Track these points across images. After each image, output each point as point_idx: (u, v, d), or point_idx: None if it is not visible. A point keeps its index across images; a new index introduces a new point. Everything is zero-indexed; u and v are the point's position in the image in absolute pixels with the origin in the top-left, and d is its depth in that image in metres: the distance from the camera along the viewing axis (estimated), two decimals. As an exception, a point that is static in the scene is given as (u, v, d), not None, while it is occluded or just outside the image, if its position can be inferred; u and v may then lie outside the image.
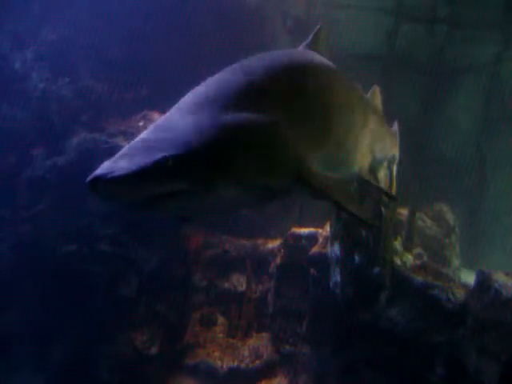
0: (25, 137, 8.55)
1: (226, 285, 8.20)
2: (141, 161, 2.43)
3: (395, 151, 5.86)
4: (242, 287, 8.11)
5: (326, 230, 7.19)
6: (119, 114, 8.58)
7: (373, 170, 4.90)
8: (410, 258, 6.83)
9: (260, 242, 8.36)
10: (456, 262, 7.89)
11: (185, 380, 7.64)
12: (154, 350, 7.74)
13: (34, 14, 9.03)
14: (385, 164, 5.65)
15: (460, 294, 6.21)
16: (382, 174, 5.53)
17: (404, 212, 7.32)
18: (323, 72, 3.69)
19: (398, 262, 6.59)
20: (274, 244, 8.14)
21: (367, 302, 6.46)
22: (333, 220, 6.72)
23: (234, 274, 8.24)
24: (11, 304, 8.37)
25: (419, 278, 6.44)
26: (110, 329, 7.82)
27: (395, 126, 6.23)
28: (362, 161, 4.18)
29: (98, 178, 2.40)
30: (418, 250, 7.10)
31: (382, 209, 6.50)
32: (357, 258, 6.46)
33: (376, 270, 6.40)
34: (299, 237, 7.51)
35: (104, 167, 2.43)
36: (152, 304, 7.99)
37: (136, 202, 2.55)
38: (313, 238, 7.34)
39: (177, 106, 2.96)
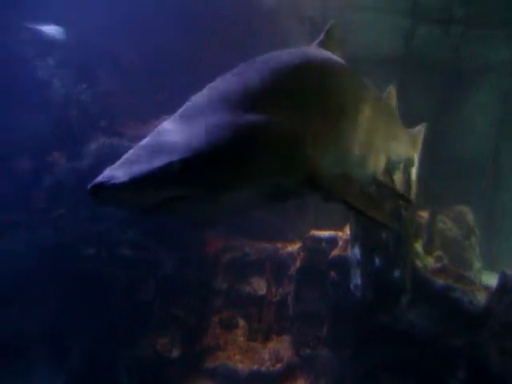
0: (45, 141, 8.63)
1: (247, 288, 8.23)
2: (144, 166, 2.40)
3: (413, 153, 5.74)
4: (262, 290, 8.14)
5: (345, 233, 7.19)
6: (138, 119, 8.64)
7: (388, 171, 4.82)
8: (430, 261, 6.78)
9: (279, 245, 8.37)
10: (477, 263, 7.86)
11: (205, 383, 7.66)
12: (174, 353, 7.76)
13: (56, 21, 9.12)
14: (401, 166, 5.56)
15: (481, 296, 6.17)
16: (398, 177, 5.45)
17: (424, 214, 7.30)
18: (336, 70, 3.63)
19: (418, 264, 6.56)
20: (293, 247, 8.14)
21: (387, 304, 6.45)
22: (352, 222, 6.73)
23: (253, 277, 8.26)
24: (31, 306, 8.45)
25: (440, 281, 6.41)
26: (130, 332, 7.86)
27: (418, 128, 6.08)
28: (376, 162, 4.10)
29: (98, 186, 2.39)
30: (438, 253, 7.06)
31: (402, 211, 6.50)
32: (377, 260, 6.46)
33: (396, 272, 6.39)
34: (319, 240, 7.51)
35: (106, 174, 2.41)
36: (172, 307, 8.02)
37: (142, 208, 2.53)
38: (333, 241, 7.33)
39: (184, 107, 2.90)
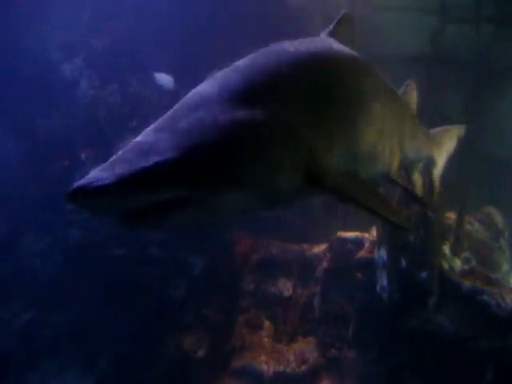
0: (75, 143, 8.76)
1: (273, 289, 8.23)
2: (131, 167, 2.23)
3: (434, 153, 5.38)
4: (289, 291, 8.14)
5: (372, 235, 7.18)
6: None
7: (405, 170, 4.68)
8: (458, 263, 6.72)
9: (306, 246, 8.36)
10: (505, 266, 7.75)
11: (231, 382, 7.68)
12: (201, 353, 7.80)
13: (84, 23, 9.24)
14: (419, 165, 5.21)
15: (510, 299, 6.10)
16: (417, 176, 5.15)
17: (452, 215, 7.23)
18: (344, 61, 3.39)
19: (445, 266, 6.51)
20: (319, 248, 8.12)
21: (414, 307, 6.41)
22: (379, 224, 6.71)
23: (280, 278, 8.26)
24: (61, 305, 8.58)
25: (468, 283, 6.36)
26: (159, 331, 7.93)
27: (446, 128, 5.71)
28: (389, 159, 3.82)
29: (77, 190, 2.20)
30: (466, 255, 6.99)
31: (430, 212, 6.46)
32: (404, 262, 6.43)
33: (423, 274, 6.35)
34: (345, 241, 7.50)
35: (88, 177, 2.23)
36: (200, 307, 8.08)
37: (129, 214, 2.35)
38: (359, 243, 7.32)
39: (181, 102, 2.73)
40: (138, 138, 2.49)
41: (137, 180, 2.21)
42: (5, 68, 8.46)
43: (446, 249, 6.73)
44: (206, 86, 2.77)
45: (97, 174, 2.23)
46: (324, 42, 3.52)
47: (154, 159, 2.24)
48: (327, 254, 7.74)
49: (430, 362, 6.32)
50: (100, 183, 2.17)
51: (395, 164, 4.00)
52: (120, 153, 2.39)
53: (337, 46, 3.49)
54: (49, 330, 8.72)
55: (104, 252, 8.36)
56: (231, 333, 8.08)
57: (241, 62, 2.92)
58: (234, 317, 8.20)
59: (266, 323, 8.13)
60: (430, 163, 5.37)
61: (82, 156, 8.74)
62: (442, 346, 6.25)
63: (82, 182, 2.21)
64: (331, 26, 3.71)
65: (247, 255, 8.46)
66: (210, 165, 2.34)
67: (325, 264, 7.71)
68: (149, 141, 2.42)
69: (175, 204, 2.32)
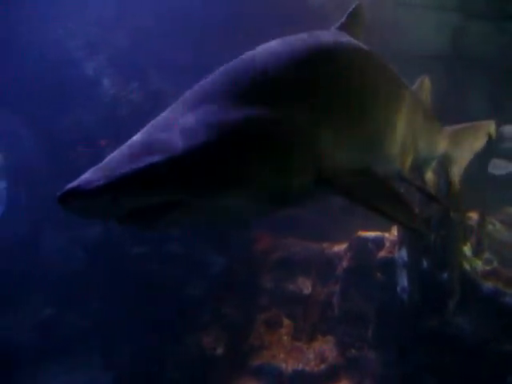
0: (96, 140, 8.81)
1: (292, 287, 8.23)
2: (124, 169, 2.12)
3: (451, 150, 5.07)
4: (308, 290, 8.14)
5: (392, 234, 7.15)
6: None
7: (419, 169, 4.50)
8: (479, 264, 6.67)
9: (326, 244, 8.34)
10: (528, 267, 7.68)
11: (250, 381, 7.71)
12: (219, 351, 7.83)
13: (106, 21, 9.28)
14: (434, 163, 5.04)
15: (532, 301, 6.07)
16: (430, 175, 4.99)
17: (473, 216, 7.17)
18: (354, 56, 3.23)
19: (467, 267, 6.46)
20: (340, 247, 8.10)
21: (435, 308, 6.38)
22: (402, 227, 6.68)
23: (299, 277, 8.26)
24: (81, 302, 8.67)
25: (489, 285, 6.33)
26: (178, 329, 7.97)
27: (465, 126, 5.31)
28: (402, 158, 3.67)
29: (67, 193, 2.11)
30: (487, 256, 6.93)
31: (451, 213, 6.42)
32: (425, 263, 6.40)
33: (444, 275, 6.31)
34: (366, 240, 7.47)
35: (81, 179, 2.14)
36: (218, 305, 8.11)
37: (122, 217, 2.24)
38: (379, 242, 7.29)
39: (180, 99, 2.60)
40: (134, 138, 2.38)
41: (129, 182, 2.12)
42: (27, 66, 8.54)
43: (468, 249, 6.68)
44: (210, 81, 2.64)
45: (87, 176, 2.15)
46: (335, 35, 3.35)
47: (148, 160, 2.15)
48: (347, 253, 7.72)
49: (449, 364, 6.30)
50: (90, 186, 2.10)
51: (408, 162, 3.88)
52: (114, 153, 2.29)
53: (348, 40, 3.34)
54: (67, 327, 8.83)
55: (123, 250, 8.42)
56: (250, 331, 8.11)
57: (246, 57, 2.77)
58: (253, 315, 8.22)
59: (285, 321, 8.14)
60: (446, 162, 5.15)
61: (104, 154, 8.78)
62: (462, 348, 6.23)
63: (72, 184, 2.13)
64: (343, 19, 3.55)
65: (267, 253, 8.48)
66: (209, 167, 2.23)
67: (345, 263, 7.70)
68: (144, 141, 2.31)
69: (172, 205, 2.21)
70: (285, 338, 8.00)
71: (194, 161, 2.20)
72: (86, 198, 2.10)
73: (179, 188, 2.18)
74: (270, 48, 2.84)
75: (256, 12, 9.23)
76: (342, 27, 3.48)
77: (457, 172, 5.29)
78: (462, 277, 6.35)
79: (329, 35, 3.30)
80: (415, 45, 9.10)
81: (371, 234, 7.51)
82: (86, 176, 2.15)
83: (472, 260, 6.64)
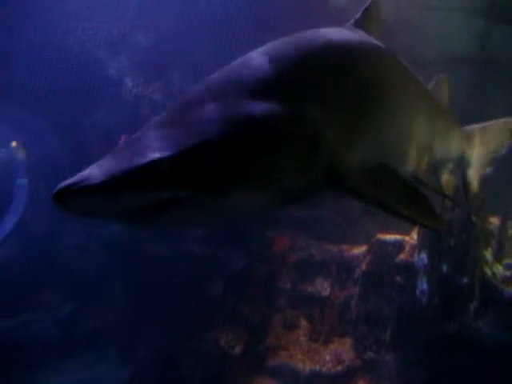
0: (119, 140, 8.87)
1: (310, 289, 8.22)
2: (125, 165, 2.05)
3: (469, 151, 4.87)
4: (326, 292, 8.12)
5: (412, 238, 7.12)
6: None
7: (435, 170, 4.32)
8: (500, 269, 6.62)
9: (345, 247, 8.32)
10: (549, 273, 7.61)
11: (266, 381, 7.72)
12: (237, 350, 7.86)
13: (128, 20, 9.35)
14: (450, 165, 4.87)
15: (553, 307, 6.02)
16: (447, 177, 4.83)
17: (494, 220, 7.12)
18: (368, 52, 3.16)
19: (487, 272, 6.42)
20: (359, 250, 8.07)
21: (455, 312, 6.35)
22: (420, 227, 6.65)
23: (318, 278, 8.25)
24: (101, 298, 8.74)
25: (509, 290, 6.28)
26: (196, 327, 8.01)
27: (483, 126, 5.06)
28: (417, 158, 3.54)
29: (63, 190, 2.01)
30: (508, 261, 6.89)
31: (473, 218, 6.39)
32: (445, 267, 6.38)
33: (464, 280, 6.29)
34: (385, 244, 7.43)
35: (78, 175, 2.06)
36: (237, 305, 8.14)
37: (123, 215, 2.15)
38: (399, 246, 7.26)
39: (189, 94, 2.53)
40: (138, 133, 2.32)
41: (129, 180, 2.03)
42: (50, 65, 8.62)
43: (488, 254, 6.64)
44: (220, 76, 2.57)
45: (86, 173, 2.07)
46: (349, 32, 3.29)
47: (151, 156, 2.07)
48: (367, 256, 7.68)
49: (468, 368, 6.27)
50: (87, 183, 2.00)
51: (424, 163, 3.76)
52: (116, 149, 2.23)
53: (362, 36, 3.28)
54: (88, 322, 8.91)
55: (143, 247, 8.48)
56: (267, 331, 8.13)
57: (257, 52, 2.69)
58: (271, 315, 8.24)
59: (303, 323, 8.15)
60: (464, 163, 4.92)
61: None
62: (482, 352, 6.20)
63: (69, 181, 2.04)
64: (358, 15, 3.49)
65: (286, 254, 8.48)
66: (216, 163, 2.15)
67: (364, 266, 7.66)
68: (149, 136, 2.24)
69: (174, 202, 2.12)
70: (302, 338, 8.00)
71: (200, 158, 2.13)
72: (83, 196, 2.01)
73: (183, 186, 2.10)
74: (282, 44, 2.79)
75: (277, 10, 9.24)
76: (357, 24, 3.43)
77: (475, 174, 5.04)
78: (483, 281, 6.32)
79: (343, 32, 3.25)
80: (441, 48, 9.04)
81: (391, 238, 7.48)
82: (84, 173, 2.07)
83: (493, 265, 6.59)
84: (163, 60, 9.21)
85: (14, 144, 9.67)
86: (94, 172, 2.05)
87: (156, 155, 2.07)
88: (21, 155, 9.58)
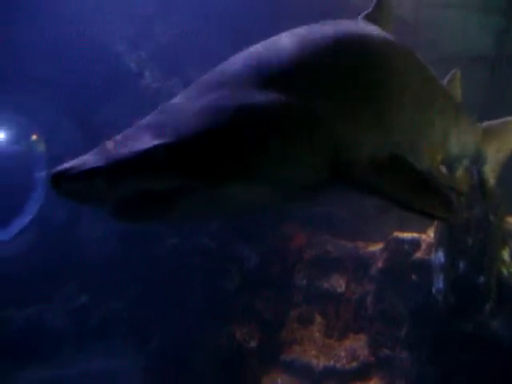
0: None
1: (326, 285, 8.24)
2: (122, 150, 2.02)
3: (485, 148, 4.73)
4: (341, 288, 8.15)
5: (429, 236, 7.12)
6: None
7: (450, 167, 4.19)
8: (517, 269, 6.64)
9: (361, 244, 8.34)
10: None
11: (281, 375, 7.76)
12: (252, 344, 7.91)
13: (148, 16, 9.39)
14: (465, 162, 4.61)
15: None
16: (461, 174, 4.56)
17: (512, 220, 7.12)
18: (378, 45, 3.09)
19: (504, 272, 6.42)
20: (375, 247, 8.08)
21: (470, 311, 6.36)
22: (437, 225, 6.67)
23: (333, 275, 8.27)
24: (115, 290, 8.80)
25: (526, 290, 6.28)
26: (210, 320, 8.05)
27: (499, 122, 4.90)
28: (430, 154, 3.45)
29: (60, 174, 2.00)
30: (525, 261, 6.89)
31: (490, 216, 6.39)
32: (462, 265, 6.38)
33: (481, 279, 6.29)
34: (402, 241, 7.43)
35: (76, 160, 2.04)
36: (252, 300, 8.18)
37: (122, 203, 2.10)
38: (416, 244, 7.25)
39: (195, 83, 2.50)
40: (143, 120, 2.30)
41: (129, 165, 1.99)
42: (69, 58, 8.67)
43: (506, 254, 6.63)
44: (225, 66, 2.56)
45: (85, 157, 2.04)
46: (359, 24, 3.26)
47: (154, 142, 2.04)
48: (383, 254, 7.69)
49: (484, 367, 6.27)
50: (86, 167, 1.98)
51: (437, 160, 3.68)
52: (118, 136, 2.20)
53: (372, 29, 3.22)
54: (101, 313, 8.97)
55: (158, 240, 8.52)
56: (282, 326, 8.17)
57: (265, 43, 2.70)
58: (286, 311, 8.28)
59: (318, 318, 8.17)
60: (479, 160, 4.78)
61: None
62: (498, 351, 6.20)
63: (66, 164, 2.02)
64: (370, 8, 3.44)
65: (302, 250, 8.51)
66: (218, 152, 2.12)
67: (380, 263, 7.68)
68: (152, 122, 2.23)
69: (176, 193, 2.09)
70: (317, 334, 8.03)
71: (201, 146, 2.10)
72: (78, 180, 1.99)
73: (184, 174, 2.06)
74: (290, 35, 2.74)
75: (297, 11, 9.24)
76: (369, 17, 3.38)
77: (491, 171, 4.91)
78: (499, 281, 6.32)
79: (352, 24, 3.22)
80: (459, 46, 9.02)
81: (407, 236, 7.48)
82: (83, 158, 2.05)
83: (510, 265, 6.59)
84: (182, 56, 9.24)
85: (33, 137, 9.71)
86: (92, 157, 2.04)
87: (155, 142, 2.05)
88: (40, 148, 9.63)
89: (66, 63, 8.62)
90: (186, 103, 2.31)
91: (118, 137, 2.17)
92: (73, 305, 9.13)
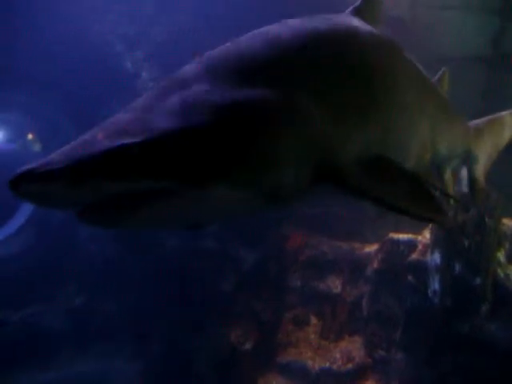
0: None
1: (321, 286, 8.24)
2: (87, 150, 1.89)
3: (475, 147, 4.60)
4: (337, 289, 8.14)
5: (425, 237, 7.10)
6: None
7: (438, 167, 4.11)
8: (513, 271, 6.63)
9: (357, 245, 8.34)
10: None
11: (276, 377, 7.76)
12: (247, 346, 7.89)
13: (146, 16, 9.37)
14: (455, 162, 4.50)
15: None
16: (449, 175, 4.42)
17: (508, 222, 7.10)
18: (365, 41, 3.00)
19: (500, 274, 6.41)
20: (370, 248, 8.08)
21: (466, 313, 6.35)
22: (433, 227, 6.65)
23: (329, 276, 8.27)
24: (114, 291, 8.79)
25: (522, 292, 6.27)
26: (207, 321, 8.04)
27: (489, 119, 4.79)
28: (418, 153, 3.33)
29: (20, 176, 1.86)
30: (522, 263, 6.88)
31: (486, 218, 6.37)
32: (458, 267, 6.37)
33: (477, 280, 6.28)
34: (397, 242, 7.43)
35: (38, 161, 1.91)
36: (248, 301, 8.17)
37: (90, 205, 1.98)
38: (411, 245, 7.24)
39: (171, 76, 2.36)
40: (110, 119, 2.14)
41: (93, 165, 1.86)
42: (68, 57, 8.65)
43: (501, 256, 6.62)
44: (203, 61, 2.41)
45: (48, 158, 1.92)
46: (346, 19, 3.13)
47: (121, 141, 1.90)
48: (378, 255, 7.68)
49: (479, 369, 6.26)
50: (48, 168, 1.85)
51: (426, 160, 3.54)
52: (85, 135, 2.05)
53: (359, 24, 3.11)
54: (101, 314, 8.96)
55: (157, 241, 8.51)
56: (278, 328, 8.16)
57: (247, 36, 2.56)
58: (282, 312, 8.27)
59: (313, 320, 8.17)
60: (469, 160, 4.65)
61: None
62: (494, 353, 6.19)
63: (28, 166, 1.88)
64: (356, 4, 3.33)
65: (298, 252, 8.50)
66: (191, 152, 1.97)
67: (375, 265, 7.67)
68: (120, 121, 2.09)
69: (147, 196, 1.95)
70: (312, 336, 8.03)
71: (174, 145, 1.96)
72: (39, 183, 1.86)
73: (154, 175, 1.92)
74: (274, 28, 2.65)
75: (301, 9, 9.21)
76: (356, 12, 3.27)
77: (481, 170, 4.79)
78: (495, 283, 6.31)
79: (339, 18, 3.12)
80: (456, 46, 9.01)
81: (403, 237, 7.47)
82: (46, 158, 1.93)
83: (506, 267, 6.58)
84: (180, 55, 9.19)
85: (30, 136, 9.67)
86: (56, 157, 1.91)
87: (126, 140, 1.91)
88: (36, 147, 9.60)
89: (64, 63, 8.60)
90: (158, 99, 2.17)
91: (87, 136, 2.03)
92: (72, 305, 9.12)
